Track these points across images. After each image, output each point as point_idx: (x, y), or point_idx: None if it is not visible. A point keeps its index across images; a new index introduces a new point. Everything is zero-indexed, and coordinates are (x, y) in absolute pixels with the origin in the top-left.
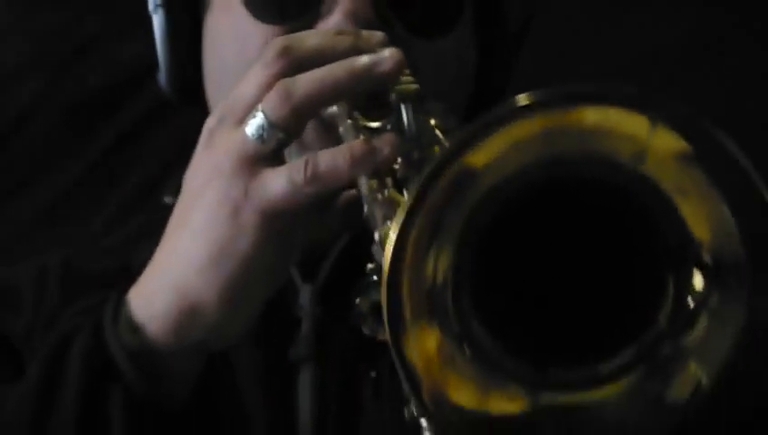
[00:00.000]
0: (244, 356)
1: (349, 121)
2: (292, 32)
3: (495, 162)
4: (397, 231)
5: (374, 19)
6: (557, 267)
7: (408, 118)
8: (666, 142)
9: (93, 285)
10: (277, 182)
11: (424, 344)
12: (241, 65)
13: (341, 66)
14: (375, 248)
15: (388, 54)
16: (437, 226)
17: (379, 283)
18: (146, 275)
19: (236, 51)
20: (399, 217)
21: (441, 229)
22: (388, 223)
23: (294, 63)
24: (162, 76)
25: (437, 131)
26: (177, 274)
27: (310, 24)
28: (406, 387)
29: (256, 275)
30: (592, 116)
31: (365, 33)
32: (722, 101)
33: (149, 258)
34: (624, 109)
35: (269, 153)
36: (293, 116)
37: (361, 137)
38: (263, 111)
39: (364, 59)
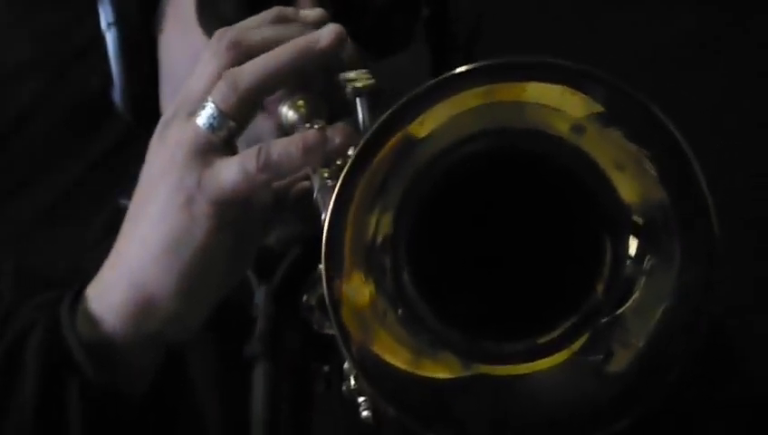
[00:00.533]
0: (199, 353)
1: (307, 126)
2: None
3: (439, 131)
4: (343, 175)
5: None
6: (495, 238)
7: (362, 112)
8: (588, 108)
9: (47, 287)
10: (230, 170)
11: (357, 294)
12: None
13: (284, 49)
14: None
15: (329, 30)
16: (383, 187)
17: None
18: (104, 269)
19: (191, 70)
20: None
21: (386, 191)
22: None
23: (242, 54)
24: (116, 95)
25: None
26: (134, 264)
27: None
28: (334, 325)
29: (212, 264)
30: (533, 90)
31: (302, 12)
32: (719, 99)
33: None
34: (559, 83)
35: (220, 143)
36: (242, 104)
37: (315, 126)
38: (213, 102)
39: (308, 37)
